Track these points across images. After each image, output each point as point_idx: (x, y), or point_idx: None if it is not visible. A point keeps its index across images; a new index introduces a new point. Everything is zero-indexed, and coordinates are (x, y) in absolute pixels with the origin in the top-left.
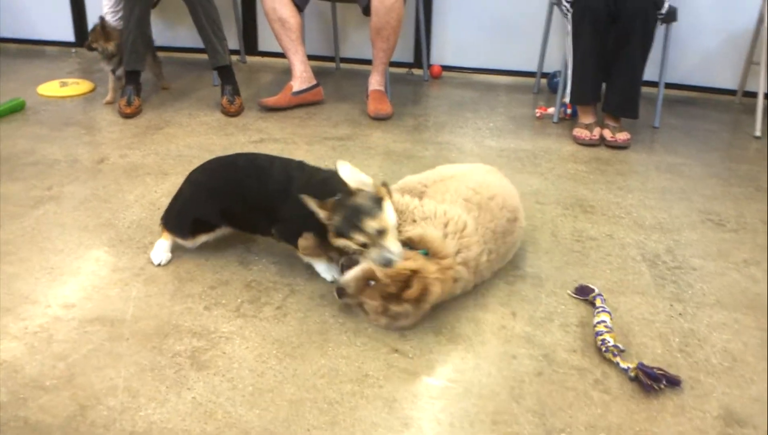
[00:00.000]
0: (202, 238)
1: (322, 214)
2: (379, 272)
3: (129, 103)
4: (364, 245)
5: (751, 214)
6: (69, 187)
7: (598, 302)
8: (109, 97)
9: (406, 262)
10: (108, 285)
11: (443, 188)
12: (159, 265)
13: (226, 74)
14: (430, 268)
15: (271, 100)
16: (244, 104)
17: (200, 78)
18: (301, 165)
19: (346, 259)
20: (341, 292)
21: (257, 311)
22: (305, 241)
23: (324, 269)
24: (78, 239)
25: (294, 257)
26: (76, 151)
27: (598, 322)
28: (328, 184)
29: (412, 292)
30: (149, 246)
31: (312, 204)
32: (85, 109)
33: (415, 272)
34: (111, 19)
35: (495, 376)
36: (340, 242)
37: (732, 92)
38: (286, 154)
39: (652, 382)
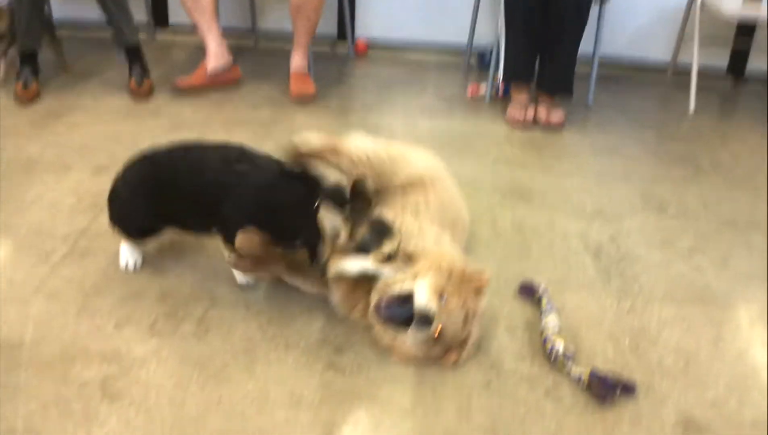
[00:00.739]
0: (150, 240)
1: (344, 226)
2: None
3: (25, 87)
4: (388, 258)
5: (692, 197)
6: None
7: (543, 303)
8: (1, 74)
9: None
10: (3, 303)
11: (405, 201)
12: (131, 268)
13: (133, 53)
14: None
15: (184, 82)
16: (154, 86)
17: (105, 57)
18: (243, 154)
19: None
20: (425, 320)
21: (175, 328)
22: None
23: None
24: None
25: (215, 262)
26: None
27: (545, 326)
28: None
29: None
30: (50, 254)
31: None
32: None
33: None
34: None
35: (440, 391)
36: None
37: (664, 68)
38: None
39: (606, 391)
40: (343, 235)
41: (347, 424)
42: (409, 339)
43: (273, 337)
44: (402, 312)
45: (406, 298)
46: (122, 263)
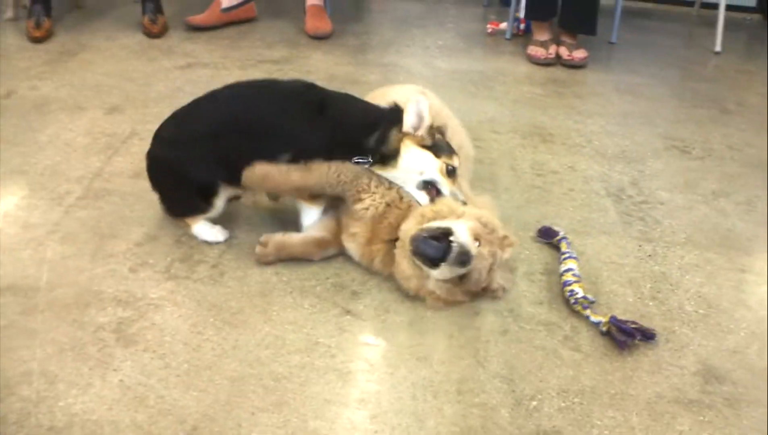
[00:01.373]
0: (214, 208)
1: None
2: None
3: (38, 26)
4: (452, 171)
5: (717, 139)
6: None
7: (563, 247)
8: (10, 13)
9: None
10: (18, 245)
11: None
12: (219, 241)
13: None
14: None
15: (198, 19)
16: (168, 24)
17: None
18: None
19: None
20: (466, 257)
21: (190, 271)
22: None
23: (312, 215)
24: None
25: (231, 206)
26: None
27: (565, 271)
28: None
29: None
30: (65, 196)
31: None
32: None
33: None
34: None
35: (457, 338)
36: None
37: (690, 3)
38: (216, 80)
39: (626, 337)
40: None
41: (363, 371)
42: (439, 275)
43: (288, 281)
44: (439, 247)
45: (444, 236)
46: (211, 239)
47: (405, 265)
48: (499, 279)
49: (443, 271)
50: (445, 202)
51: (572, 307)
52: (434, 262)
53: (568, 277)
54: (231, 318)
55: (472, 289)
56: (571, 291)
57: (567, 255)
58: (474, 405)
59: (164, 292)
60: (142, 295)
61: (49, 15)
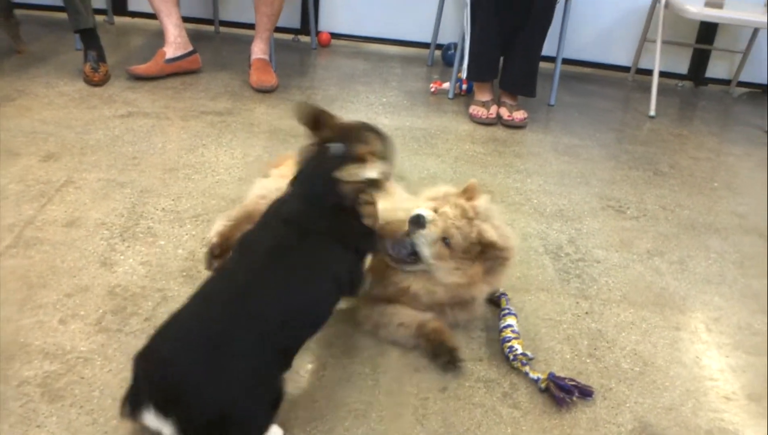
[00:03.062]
0: None
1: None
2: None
3: None
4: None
5: (651, 200)
6: None
7: (503, 303)
8: None
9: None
10: None
11: None
12: None
13: (89, 38)
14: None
15: (141, 68)
16: (110, 72)
17: (61, 40)
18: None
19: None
20: (421, 218)
21: (122, 324)
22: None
23: None
24: None
25: (167, 257)
26: None
27: (504, 327)
28: None
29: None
30: None
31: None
32: None
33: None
34: None
35: (396, 394)
36: None
37: (626, 69)
38: (158, 130)
39: (564, 394)
40: None
41: (300, 429)
42: (422, 248)
43: None
44: (406, 244)
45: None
46: None
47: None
48: (492, 230)
49: (418, 241)
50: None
51: (511, 363)
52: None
53: (507, 333)
54: None
55: (459, 257)
56: (510, 347)
57: (506, 311)
58: None
59: (94, 345)
60: (71, 348)
61: None
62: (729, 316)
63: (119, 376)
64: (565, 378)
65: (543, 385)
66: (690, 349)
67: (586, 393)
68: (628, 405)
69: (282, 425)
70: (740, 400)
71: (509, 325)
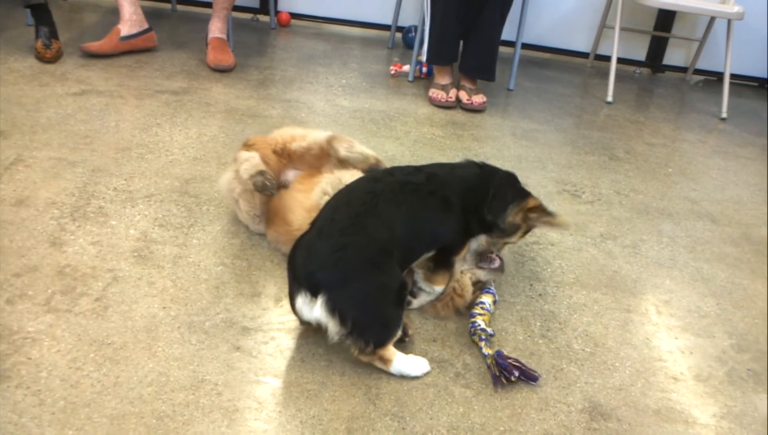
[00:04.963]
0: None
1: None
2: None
3: None
4: None
5: (606, 184)
6: None
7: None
8: None
9: None
10: None
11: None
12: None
13: (41, 13)
14: None
15: (94, 46)
16: (62, 49)
17: (11, 16)
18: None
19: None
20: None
21: (72, 304)
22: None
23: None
24: None
25: (118, 237)
26: None
27: (477, 303)
28: None
29: None
30: None
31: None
32: None
33: None
34: None
35: (349, 375)
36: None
37: (585, 55)
38: (111, 109)
39: (502, 373)
40: None
41: (250, 409)
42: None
43: (176, 317)
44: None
45: None
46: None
47: None
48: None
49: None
50: None
51: (471, 338)
52: None
53: (476, 309)
54: (113, 353)
55: None
56: (474, 323)
57: (486, 290)
58: None
59: (43, 325)
60: (18, 329)
61: None
62: (679, 299)
63: (67, 357)
64: (510, 358)
65: (488, 362)
66: (640, 330)
67: (530, 377)
68: (578, 385)
69: (229, 406)
70: (688, 380)
71: (482, 302)
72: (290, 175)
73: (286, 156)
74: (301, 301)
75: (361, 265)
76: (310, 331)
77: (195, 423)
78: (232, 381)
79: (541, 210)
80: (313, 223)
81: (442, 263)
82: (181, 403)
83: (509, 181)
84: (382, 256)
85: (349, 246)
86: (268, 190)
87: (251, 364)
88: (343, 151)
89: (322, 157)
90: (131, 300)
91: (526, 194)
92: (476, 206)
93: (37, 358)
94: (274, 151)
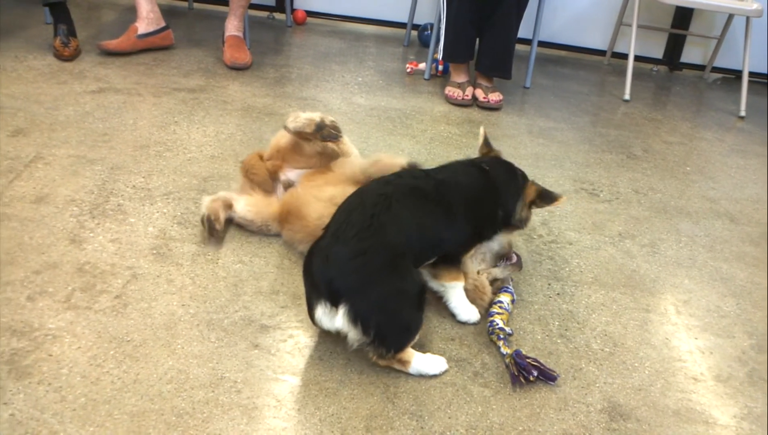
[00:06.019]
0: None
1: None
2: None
3: None
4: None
5: (624, 183)
6: None
7: (507, 283)
8: None
9: None
10: None
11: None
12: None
13: (59, 11)
14: None
15: (112, 44)
16: (80, 47)
17: (30, 14)
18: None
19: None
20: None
21: (92, 302)
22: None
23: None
24: None
25: (137, 235)
26: None
27: (495, 302)
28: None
29: None
30: None
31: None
32: None
33: None
34: None
35: (368, 373)
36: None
37: (602, 52)
38: (129, 107)
39: (521, 372)
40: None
41: (269, 407)
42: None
43: (195, 314)
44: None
45: None
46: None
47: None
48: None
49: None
50: None
51: (489, 336)
52: None
53: (495, 308)
54: (133, 351)
55: None
56: (492, 321)
57: (504, 288)
58: None
59: (63, 322)
60: (39, 325)
61: None
62: (698, 299)
63: (88, 354)
64: (529, 358)
65: (507, 361)
66: (659, 330)
67: (548, 377)
68: (597, 385)
69: (248, 403)
70: (708, 381)
71: (500, 301)
72: (292, 175)
73: (280, 157)
74: (321, 311)
75: (380, 271)
76: (327, 332)
77: (214, 420)
78: (251, 378)
79: (540, 197)
80: (327, 228)
81: (449, 261)
82: (200, 400)
83: (509, 176)
84: (399, 259)
85: (368, 251)
86: (334, 136)
87: (270, 362)
88: (290, 125)
89: (305, 146)
90: (150, 297)
91: (523, 184)
92: (487, 214)
93: (58, 355)
94: (270, 158)
